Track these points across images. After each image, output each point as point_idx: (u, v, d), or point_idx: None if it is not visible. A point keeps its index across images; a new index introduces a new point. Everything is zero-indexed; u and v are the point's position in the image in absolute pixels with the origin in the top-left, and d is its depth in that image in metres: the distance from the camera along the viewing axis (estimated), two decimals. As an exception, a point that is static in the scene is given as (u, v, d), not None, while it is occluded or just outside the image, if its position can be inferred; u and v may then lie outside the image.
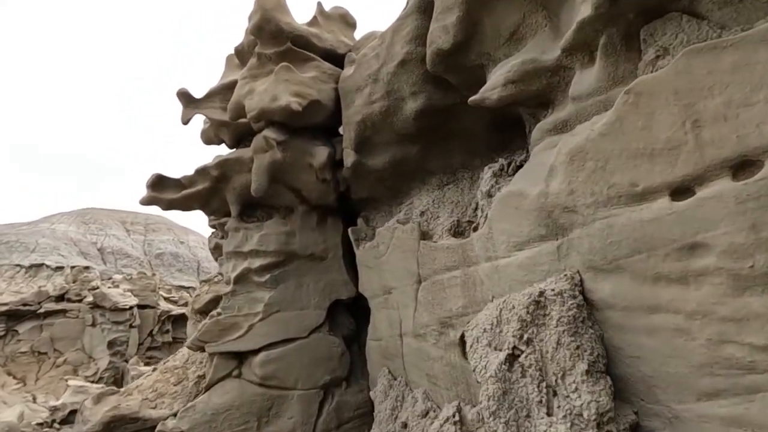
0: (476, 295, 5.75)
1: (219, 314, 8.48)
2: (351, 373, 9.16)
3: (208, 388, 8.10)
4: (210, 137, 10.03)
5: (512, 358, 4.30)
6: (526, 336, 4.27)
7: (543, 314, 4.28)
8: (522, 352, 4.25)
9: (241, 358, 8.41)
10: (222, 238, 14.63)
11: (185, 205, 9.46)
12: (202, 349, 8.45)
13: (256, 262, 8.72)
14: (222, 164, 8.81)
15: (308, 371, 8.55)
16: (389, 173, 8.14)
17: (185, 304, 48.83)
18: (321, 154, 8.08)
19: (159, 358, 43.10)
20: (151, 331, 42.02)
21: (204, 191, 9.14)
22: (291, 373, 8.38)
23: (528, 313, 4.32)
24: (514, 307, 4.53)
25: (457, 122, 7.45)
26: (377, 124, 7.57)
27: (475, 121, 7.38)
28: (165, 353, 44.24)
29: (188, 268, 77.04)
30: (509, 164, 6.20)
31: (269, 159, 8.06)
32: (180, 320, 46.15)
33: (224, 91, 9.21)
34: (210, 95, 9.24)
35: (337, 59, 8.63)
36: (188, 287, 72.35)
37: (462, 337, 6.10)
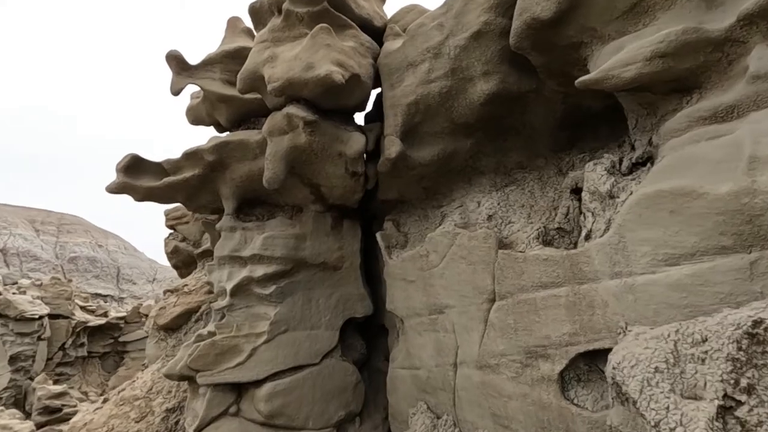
0: (594, 320, 4.59)
1: (213, 334, 6.71)
2: (363, 407, 7.67)
3: (200, 429, 6.29)
4: (200, 115, 8.25)
5: (723, 410, 3.17)
6: (744, 382, 3.15)
7: (762, 352, 3.20)
8: (740, 403, 3.13)
9: (240, 390, 6.69)
10: (183, 240, 12.61)
11: (166, 195, 7.62)
12: (191, 380, 6.63)
13: (259, 270, 7.07)
14: (220, 148, 7.12)
15: (320, 406, 6.98)
16: (433, 169, 6.88)
17: (104, 314, 44.19)
18: (357, 141, 6.65)
19: (71, 375, 38.38)
20: (63, 344, 37.21)
21: (193, 180, 7.38)
22: (301, 409, 6.77)
23: (740, 349, 3.21)
24: (705, 340, 3.42)
25: (522, 114, 6.38)
26: (433, 108, 6.31)
27: (543, 116, 6.38)
28: (78, 370, 39.48)
29: (106, 274, 70.76)
30: (620, 161, 5.16)
31: (289, 143, 6.53)
32: (97, 333, 41.59)
33: (226, 59, 7.54)
34: (208, 63, 7.52)
35: (372, 32, 7.28)
36: (105, 295, 66.34)
37: (562, 372, 4.93)
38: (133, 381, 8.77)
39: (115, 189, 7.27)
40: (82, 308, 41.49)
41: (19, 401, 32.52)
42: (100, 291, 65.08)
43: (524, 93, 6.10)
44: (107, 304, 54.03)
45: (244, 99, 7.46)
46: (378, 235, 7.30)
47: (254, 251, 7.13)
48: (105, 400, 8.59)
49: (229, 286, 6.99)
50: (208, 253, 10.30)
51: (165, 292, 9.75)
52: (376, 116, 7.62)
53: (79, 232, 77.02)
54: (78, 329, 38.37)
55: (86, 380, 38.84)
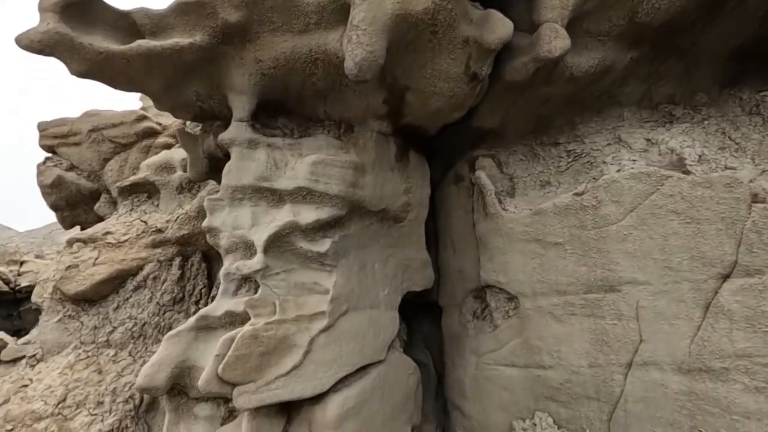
0: None
1: (240, 318, 3.89)
2: (415, 415, 5.49)
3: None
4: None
5: None
6: None
7: None
8: None
9: (290, 410, 3.99)
10: (71, 169, 8.84)
11: (129, 73, 4.35)
12: (225, 400, 3.75)
13: (307, 214, 4.39)
14: (252, 3, 4.17)
15: (389, 426, 4.64)
16: (571, 88, 4.89)
17: None
18: (502, 25, 4.28)
19: None
20: None
21: (189, 52, 4.28)
22: (372, 434, 4.35)
23: None
24: None
25: (702, 30, 4.79)
26: (623, -10, 4.27)
27: (724, 37, 4.88)
28: None
29: None
30: None
31: (398, 8, 3.92)
32: None
33: None
34: None
35: None
36: None
37: None
38: (22, 386, 5.23)
39: (38, 42, 3.84)
40: None
41: None
42: None
43: (732, -4, 4.41)
44: None
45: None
46: (482, 176, 5.07)
47: (298, 182, 4.38)
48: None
49: (259, 237, 4.17)
50: (138, 188, 6.86)
51: (72, 243, 6.15)
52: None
53: None
54: None
55: None
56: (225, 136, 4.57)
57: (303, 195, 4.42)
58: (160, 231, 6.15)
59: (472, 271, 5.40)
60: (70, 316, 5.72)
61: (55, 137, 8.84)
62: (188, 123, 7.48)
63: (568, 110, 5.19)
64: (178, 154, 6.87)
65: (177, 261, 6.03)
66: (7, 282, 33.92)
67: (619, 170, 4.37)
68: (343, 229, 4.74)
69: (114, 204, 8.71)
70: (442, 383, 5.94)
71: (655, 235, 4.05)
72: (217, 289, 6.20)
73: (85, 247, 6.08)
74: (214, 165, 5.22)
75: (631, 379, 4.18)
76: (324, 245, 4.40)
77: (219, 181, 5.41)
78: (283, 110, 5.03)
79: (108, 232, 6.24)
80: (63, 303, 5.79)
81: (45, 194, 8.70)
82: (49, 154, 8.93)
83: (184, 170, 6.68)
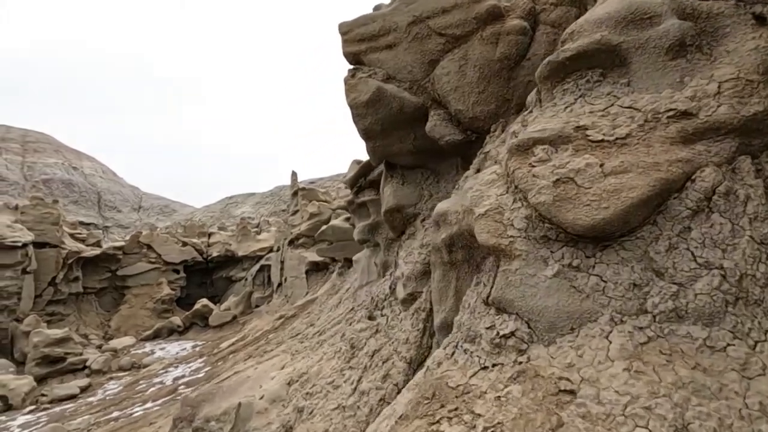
0: None
1: None
2: None
3: None
4: None
5: None
6: None
7: None
8: None
9: None
10: (388, 79, 6.69)
11: None
12: None
13: None
14: None
15: None
16: None
17: (96, 244, 37.49)
18: None
19: (65, 315, 32.22)
20: (54, 278, 30.56)
21: None
22: None
23: None
24: None
25: None
26: None
27: None
28: (73, 308, 33.26)
29: (86, 200, 62.88)
30: None
31: None
32: (90, 265, 35.11)
33: None
34: None
35: None
36: (88, 223, 58.88)
37: None
38: (559, 391, 2.92)
39: None
40: (71, 236, 34.50)
41: (6, 348, 26.22)
42: (81, 218, 56.42)
43: None
44: (98, 232, 46.56)
45: None
46: None
47: None
48: None
49: None
50: (582, 62, 4.18)
51: (527, 147, 3.69)
52: None
53: (48, 151, 66.10)
54: (70, 260, 31.65)
55: (84, 321, 32.61)
56: None
57: None
58: (686, 115, 3.41)
59: None
60: (572, 266, 3.26)
61: (362, 40, 6.67)
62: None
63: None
64: (653, -5, 4.06)
65: (745, 161, 3.25)
66: (200, 252, 35.74)
67: None
68: None
69: (451, 120, 6.35)
70: None
71: None
72: None
73: (559, 153, 3.56)
74: None
75: None
76: None
77: None
78: None
79: (581, 127, 3.65)
80: (550, 244, 3.36)
81: (358, 116, 6.60)
82: (355, 66, 6.81)
83: (679, 14, 3.86)
